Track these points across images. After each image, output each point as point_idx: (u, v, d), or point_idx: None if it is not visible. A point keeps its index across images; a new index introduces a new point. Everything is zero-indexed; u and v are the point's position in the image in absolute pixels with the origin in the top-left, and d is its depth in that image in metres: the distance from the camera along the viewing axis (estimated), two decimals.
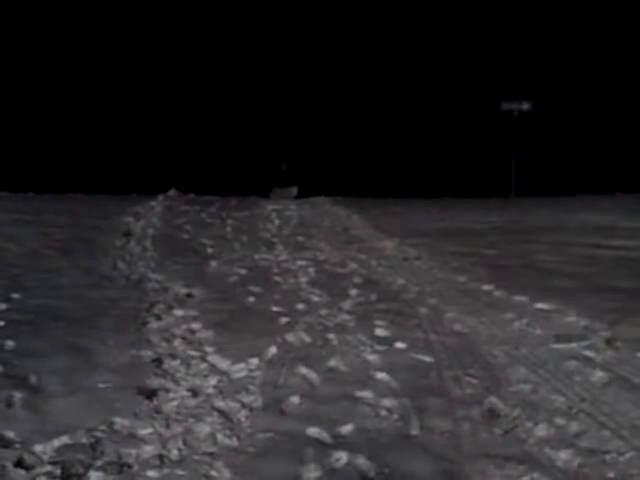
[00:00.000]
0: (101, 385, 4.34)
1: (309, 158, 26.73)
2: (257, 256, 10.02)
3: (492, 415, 4.10)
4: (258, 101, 27.62)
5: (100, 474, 3.17)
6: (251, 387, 4.52)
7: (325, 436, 3.72)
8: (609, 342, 5.46)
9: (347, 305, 6.98)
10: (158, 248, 10.13)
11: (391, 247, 10.82)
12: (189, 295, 7.24)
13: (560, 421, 3.94)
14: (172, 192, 18.83)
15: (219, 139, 27.40)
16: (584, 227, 13.22)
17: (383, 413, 4.11)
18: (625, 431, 3.77)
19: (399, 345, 5.53)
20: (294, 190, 14.17)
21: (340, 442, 3.64)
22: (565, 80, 27.30)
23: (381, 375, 4.78)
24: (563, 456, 3.49)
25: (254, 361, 5.01)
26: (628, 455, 3.47)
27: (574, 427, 3.86)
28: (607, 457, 3.47)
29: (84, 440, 3.53)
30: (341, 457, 3.42)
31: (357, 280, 8.28)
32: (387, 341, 5.66)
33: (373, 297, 7.36)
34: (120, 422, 3.78)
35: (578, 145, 26.68)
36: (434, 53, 27.93)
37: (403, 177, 25.64)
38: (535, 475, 3.27)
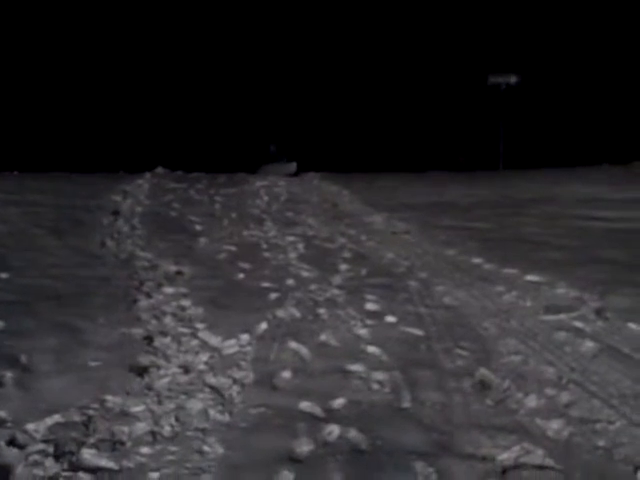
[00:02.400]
0: (92, 363, 4.33)
1: (297, 135, 26.64)
2: (246, 232, 9.99)
3: (483, 386, 4.12)
4: (244, 78, 27.41)
5: (93, 451, 3.17)
6: (242, 363, 4.52)
7: (317, 410, 3.73)
8: (599, 313, 5.49)
9: (337, 280, 6.99)
10: (146, 226, 10.08)
11: (380, 221, 10.82)
12: (179, 272, 7.21)
13: (550, 391, 3.97)
14: (159, 170, 18.70)
15: (206, 116, 27.22)
16: (573, 199, 13.27)
17: (374, 386, 4.13)
18: (615, 400, 3.80)
19: (389, 319, 5.55)
20: (293, 166, 13.50)
21: (332, 416, 3.66)
22: (552, 53, 27.25)
23: (372, 349, 4.80)
24: (554, 426, 3.52)
25: (245, 337, 5.01)
26: (618, 424, 3.50)
27: (564, 397, 3.89)
28: (597, 426, 3.50)
29: (76, 418, 3.53)
30: (333, 430, 3.43)
31: (347, 255, 8.28)
32: (377, 315, 5.67)
33: (363, 272, 7.37)
34: (112, 400, 3.78)
35: (565, 117, 26.70)
36: (422, 28, 27.76)
37: (391, 151, 25.59)
38: (526, 445, 3.29)
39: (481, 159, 25.46)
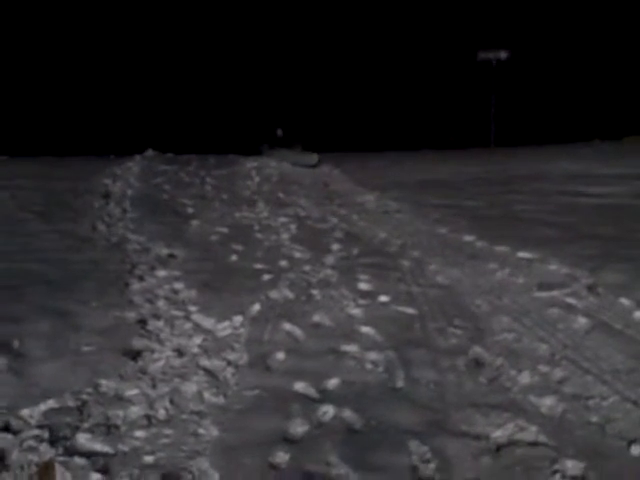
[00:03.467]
0: (85, 348, 4.31)
1: (291, 115, 26.54)
2: (238, 214, 9.98)
3: (477, 365, 4.13)
4: (234, 59, 27.20)
5: (88, 436, 3.17)
6: (236, 345, 4.52)
7: (311, 391, 3.74)
8: (591, 289, 5.51)
9: (330, 260, 6.98)
10: (137, 209, 10.04)
11: (372, 201, 10.81)
12: (171, 255, 7.19)
13: (544, 368, 3.98)
14: (149, 152, 18.62)
15: (196, 98, 27.03)
16: (564, 175, 13.29)
17: (368, 366, 4.13)
18: (608, 376, 3.82)
19: (383, 298, 5.55)
20: (314, 157, 11.49)
21: (326, 396, 3.66)
22: (542, 28, 27.13)
23: (365, 329, 4.80)
24: (547, 402, 3.54)
25: (238, 319, 5.00)
26: (611, 399, 3.51)
27: (557, 374, 3.90)
28: (590, 402, 3.51)
29: (70, 403, 3.52)
30: (328, 411, 3.44)
31: (339, 235, 8.28)
32: (370, 295, 5.67)
33: (355, 251, 7.36)
34: (106, 384, 3.77)
35: (556, 93, 26.65)
36: (412, 6, 27.59)
37: (382, 131, 25.52)
38: (520, 422, 3.31)
39: (472, 136, 25.42)
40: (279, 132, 20.19)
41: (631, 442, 3.07)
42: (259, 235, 8.41)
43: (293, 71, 27.83)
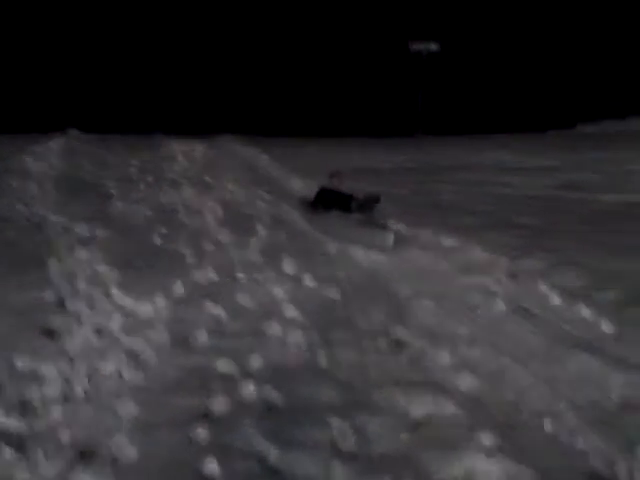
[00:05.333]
0: (2, 327, 4.19)
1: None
2: (163, 197, 9.83)
3: (398, 345, 4.21)
4: (152, 33, 26.62)
5: (2, 414, 3.09)
6: (158, 325, 4.46)
7: (233, 369, 3.73)
8: (511, 276, 5.68)
9: (256, 244, 6.96)
10: (59, 189, 9.78)
11: (300, 187, 10.80)
12: (92, 236, 7.04)
13: (463, 350, 4.09)
14: (73, 131, 18.15)
15: (120, 74, 26.40)
16: (492, 166, 13.62)
17: (291, 347, 4.16)
18: (524, 357, 3.95)
19: (307, 281, 5.58)
20: (390, 238, 7.92)
21: (248, 375, 3.66)
22: (473, 20, 27.60)
23: (289, 310, 4.82)
24: (465, 381, 3.64)
25: (161, 299, 4.93)
26: (526, 379, 3.64)
27: (476, 354, 4.02)
28: (506, 381, 3.63)
29: None
30: (249, 389, 3.45)
31: (266, 219, 8.25)
32: (295, 278, 5.70)
33: (281, 236, 7.36)
34: (22, 363, 3.67)
35: (486, 84, 27.20)
36: None
37: (311, 117, 25.51)
38: (439, 399, 3.39)
39: (402, 125, 25.72)
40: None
41: (543, 417, 3.20)
42: (184, 218, 8.31)
43: (221, 53, 27.51)
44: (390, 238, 6.67)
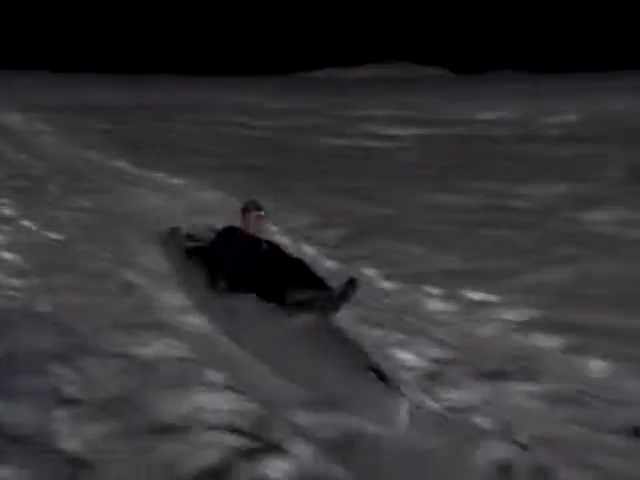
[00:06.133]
0: None
1: None
2: None
3: (126, 288, 4.12)
4: None
5: None
6: None
7: None
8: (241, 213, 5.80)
9: None
10: None
11: (20, 122, 10.04)
12: None
13: (195, 291, 4.10)
14: None
15: None
16: (231, 107, 13.70)
17: (10, 293, 3.88)
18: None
19: (28, 224, 5.24)
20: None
21: None
22: None
23: (8, 255, 4.49)
24: (194, 322, 3.68)
25: None
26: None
27: (203, 294, 4.05)
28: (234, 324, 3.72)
29: None
30: None
31: None
32: (14, 221, 5.31)
33: None
34: None
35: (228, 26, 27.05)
36: None
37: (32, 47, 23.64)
38: (167, 340, 3.39)
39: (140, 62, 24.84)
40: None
41: (259, 357, 3.32)
42: None
43: None
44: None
